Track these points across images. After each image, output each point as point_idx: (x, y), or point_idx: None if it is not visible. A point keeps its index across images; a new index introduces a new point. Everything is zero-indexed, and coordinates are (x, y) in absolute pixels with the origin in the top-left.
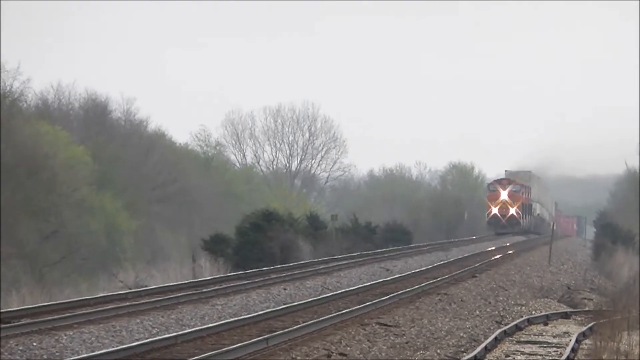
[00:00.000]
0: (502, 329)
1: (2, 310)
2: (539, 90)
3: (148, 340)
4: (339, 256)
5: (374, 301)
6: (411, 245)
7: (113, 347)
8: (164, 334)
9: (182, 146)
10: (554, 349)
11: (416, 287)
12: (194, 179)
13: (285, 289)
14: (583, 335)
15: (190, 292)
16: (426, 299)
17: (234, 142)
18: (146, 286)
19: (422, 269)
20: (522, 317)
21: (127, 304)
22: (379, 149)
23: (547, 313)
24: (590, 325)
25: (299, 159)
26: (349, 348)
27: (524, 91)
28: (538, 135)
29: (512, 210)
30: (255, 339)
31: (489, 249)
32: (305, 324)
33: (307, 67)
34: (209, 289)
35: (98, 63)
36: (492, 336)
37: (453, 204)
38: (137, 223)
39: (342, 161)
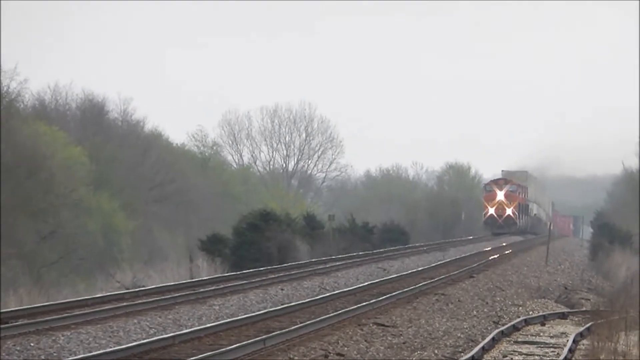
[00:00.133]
0: (500, 329)
1: (0, 311)
2: (539, 90)
3: (145, 340)
4: (337, 256)
5: (372, 301)
6: (408, 246)
7: (110, 347)
8: (162, 335)
9: (179, 146)
10: (552, 349)
11: (413, 287)
12: (191, 180)
13: (282, 289)
14: (580, 335)
15: (187, 293)
16: (423, 299)
17: (230, 142)
18: (143, 286)
19: (419, 269)
20: (519, 317)
21: (125, 304)
22: (377, 149)
23: (544, 313)
24: (587, 325)
25: (295, 159)
26: (346, 348)
27: (524, 91)
28: (538, 135)
29: (509, 211)
30: (252, 340)
31: (486, 249)
32: (302, 324)
33: (306, 67)
34: (207, 289)
35: (96, 63)
36: (490, 336)
37: (450, 204)
38: (134, 223)
39: (339, 161)
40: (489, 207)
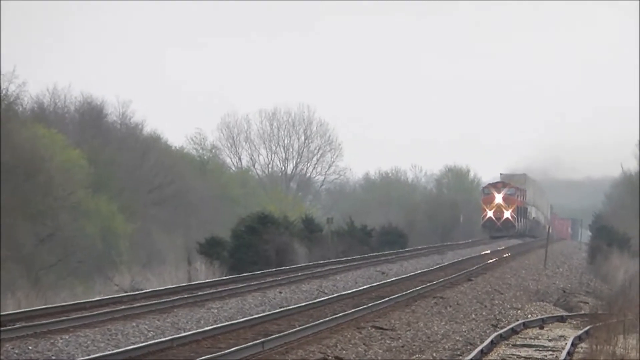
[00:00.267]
0: (498, 333)
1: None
2: (538, 90)
3: (144, 343)
4: (335, 259)
5: (370, 304)
6: (407, 249)
7: (109, 350)
8: (160, 338)
9: (178, 149)
10: (550, 352)
11: (412, 290)
12: (190, 182)
13: (281, 293)
14: (579, 338)
15: (186, 296)
16: (422, 303)
17: (229, 145)
18: (142, 289)
19: (417, 272)
20: (518, 320)
21: (123, 307)
22: (377, 151)
23: (543, 316)
24: (586, 328)
25: (294, 162)
26: (344, 351)
27: (524, 91)
28: (538, 135)
29: (507, 214)
30: (251, 343)
31: (485, 252)
32: (301, 327)
33: (306, 67)
34: (205, 292)
35: (95, 63)
36: (488, 340)
37: (449, 207)
38: (132, 226)
39: (338, 164)
40: (487, 210)
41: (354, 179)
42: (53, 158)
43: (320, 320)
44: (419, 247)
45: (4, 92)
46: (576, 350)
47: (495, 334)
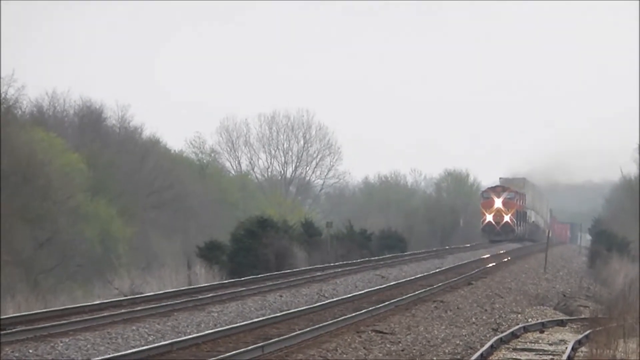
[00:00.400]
0: (498, 337)
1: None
2: (538, 91)
3: (144, 347)
4: (335, 263)
5: (370, 308)
6: (406, 253)
7: (109, 354)
8: (160, 341)
9: (177, 153)
10: (550, 356)
11: (412, 294)
12: (189, 186)
13: (281, 296)
14: (579, 342)
15: (185, 299)
16: (422, 307)
17: (228, 149)
18: (141, 293)
19: (417, 276)
20: (518, 324)
21: (123, 311)
22: (375, 153)
23: (543, 320)
24: (586, 332)
25: (293, 166)
26: (344, 355)
27: (524, 91)
28: (537, 139)
29: (507, 218)
30: (251, 346)
31: (485, 256)
32: (301, 331)
33: (305, 70)
34: (205, 296)
35: (94, 67)
36: (489, 344)
37: (448, 211)
38: (132, 230)
39: (337, 168)
40: (486, 215)
41: (354, 182)
42: (52, 162)
43: (320, 324)
44: (419, 251)
45: (3, 95)
46: (576, 354)
47: (496, 338)
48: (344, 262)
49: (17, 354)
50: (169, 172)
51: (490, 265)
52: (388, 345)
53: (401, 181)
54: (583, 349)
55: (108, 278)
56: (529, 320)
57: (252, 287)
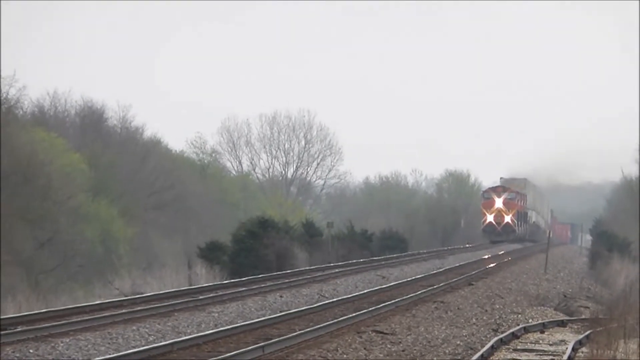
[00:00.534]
0: (499, 337)
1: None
2: (538, 91)
3: (144, 347)
4: (335, 264)
5: (371, 309)
6: (407, 253)
7: (109, 354)
8: (160, 342)
9: (178, 153)
10: (551, 356)
11: (412, 294)
12: (190, 187)
13: (281, 297)
14: (580, 343)
15: (186, 300)
16: (422, 307)
17: (229, 149)
18: (142, 293)
19: (418, 276)
20: (518, 325)
21: (123, 311)
22: (376, 153)
23: (543, 321)
24: (586, 333)
25: (294, 167)
26: (345, 356)
27: (524, 91)
28: (539, 140)
29: (507, 218)
30: (251, 347)
31: (485, 256)
32: (301, 331)
33: (306, 71)
34: (205, 296)
35: (96, 67)
36: (489, 344)
37: (449, 212)
38: (132, 230)
39: (338, 168)
40: (487, 215)
41: (354, 183)
42: (53, 162)
43: (321, 325)
44: (419, 252)
45: (4, 95)
46: (577, 354)
47: (496, 338)
48: (345, 263)
49: (17, 354)
50: (170, 173)
51: (491, 265)
52: (388, 346)
53: (402, 181)
54: (583, 349)
55: (109, 278)
56: (530, 320)
57: (253, 287)
